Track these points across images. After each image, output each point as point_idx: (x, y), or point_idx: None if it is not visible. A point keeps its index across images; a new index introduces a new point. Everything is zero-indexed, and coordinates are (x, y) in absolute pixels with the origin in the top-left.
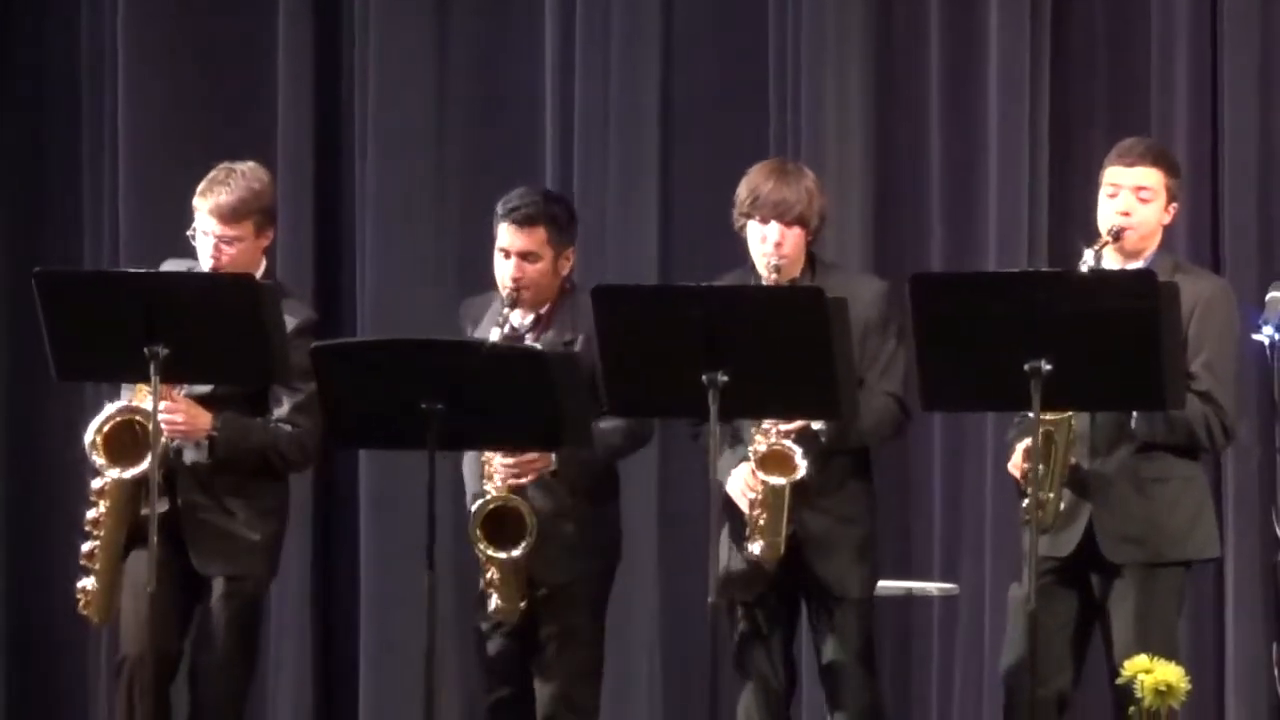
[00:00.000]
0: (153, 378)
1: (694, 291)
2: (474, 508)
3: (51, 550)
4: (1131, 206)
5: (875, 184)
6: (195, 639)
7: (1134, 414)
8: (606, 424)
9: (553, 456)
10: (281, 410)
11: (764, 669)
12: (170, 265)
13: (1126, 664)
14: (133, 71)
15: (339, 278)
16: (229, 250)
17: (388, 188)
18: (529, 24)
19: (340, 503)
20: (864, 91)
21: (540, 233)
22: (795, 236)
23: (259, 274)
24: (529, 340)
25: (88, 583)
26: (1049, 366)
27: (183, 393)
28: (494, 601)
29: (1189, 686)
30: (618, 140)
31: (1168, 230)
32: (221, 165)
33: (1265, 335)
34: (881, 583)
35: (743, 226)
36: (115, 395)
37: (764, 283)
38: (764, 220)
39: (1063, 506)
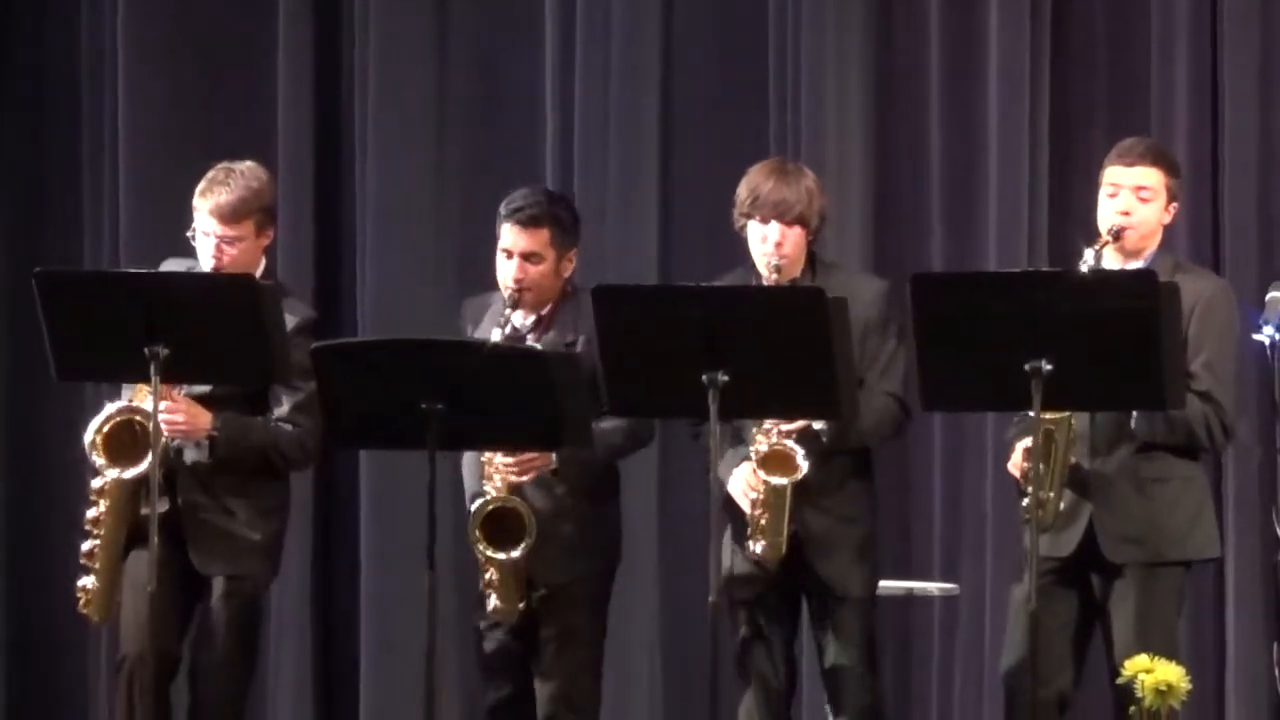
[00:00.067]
0: (153, 378)
1: (694, 291)
2: (473, 509)
3: (51, 550)
4: (1131, 206)
5: (875, 184)
6: (195, 639)
7: (1134, 413)
8: (607, 424)
9: (553, 456)
10: (282, 410)
11: (765, 669)
12: (170, 265)
13: (1127, 664)
14: (133, 71)
15: (339, 278)
16: (229, 250)
17: (388, 188)
18: (529, 24)
19: (340, 503)
20: (864, 91)
21: (544, 234)
22: (795, 236)
23: (259, 274)
24: (530, 341)
25: (88, 581)
26: (1049, 366)
27: (183, 392)
28: (493, 602)
29: (1189, 686)
30: (618, 140)
31: (1168, 230)
32: (220, 165)
33: (1265, 335)
34: (881, 583)
35: (743, 226)
36: (115, 395)
37: (764, 283)
38: (764, 220)
39: (1063, 506)
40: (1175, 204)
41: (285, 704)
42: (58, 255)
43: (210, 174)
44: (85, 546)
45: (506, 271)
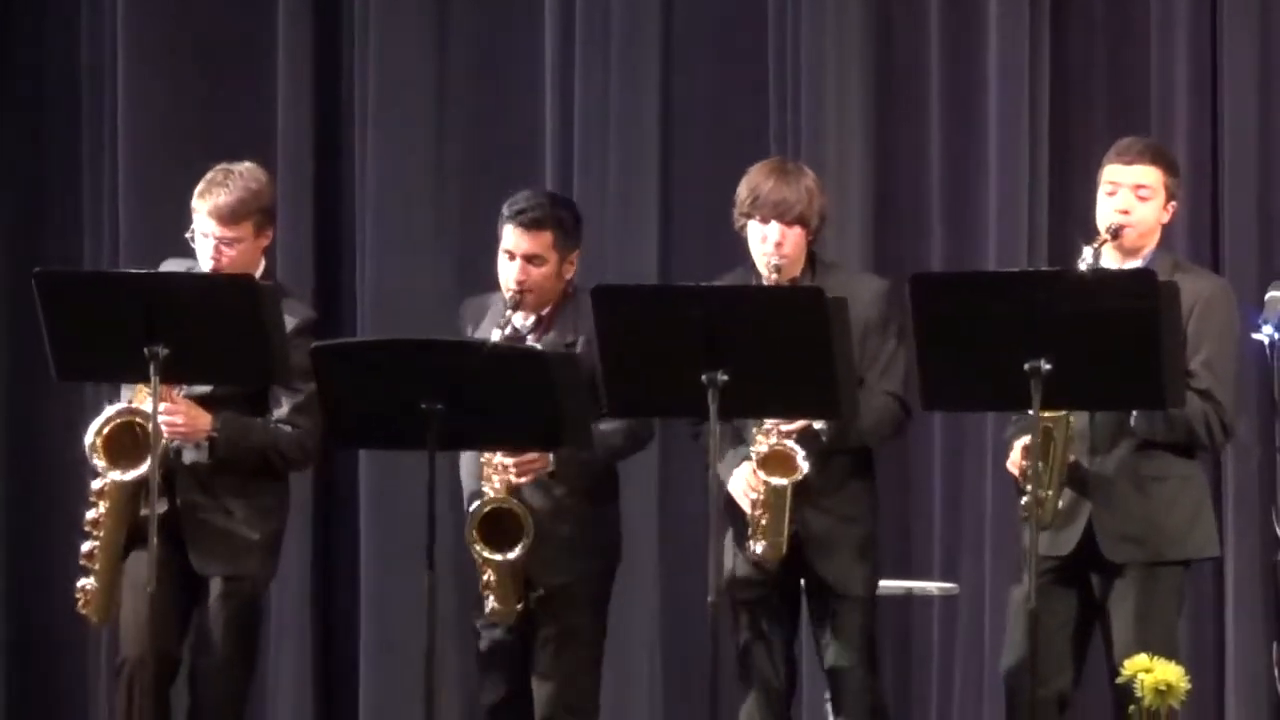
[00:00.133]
0: (153, 378)
1: (694, 291)
2: (471, 509)
3: (51, 551)
4: (1130, 204)
5: (875, 184)
6: (195, 639)
7: (1134, 411)
8: (606, 425)
9: (550, 457)
10: (281, 411)
11: (766, 670)
12: (170, 265)
13: (1126, 663)
14: (133, 71)
15: (339, 278)
16: (229, 251)
17: (388, 188)
18: (529, 24)
19: (340, 503)
20: (864, 91)
21: (547, 236)
22: (795, 236)
23: (259, 274)
24: (530, 341)
25: (87, 583)
26: (1049, 366)
27: (182, 393)
28: (491, 603)
29: (1189, 686)
30: (617, 140)
31: (1167, 229)
32: (219, 166)
33: (1265, 335)
34: (881, 582)
35: (743, 226)
36: (115, 395)
37: (764, 282)
38: (764, 220)
39: (1061, 505)
40: (1174, 203)
41: (285, 704)
42: (58, 255)
43: (209, 175)
44: (85, 548)
45: (508, 273)
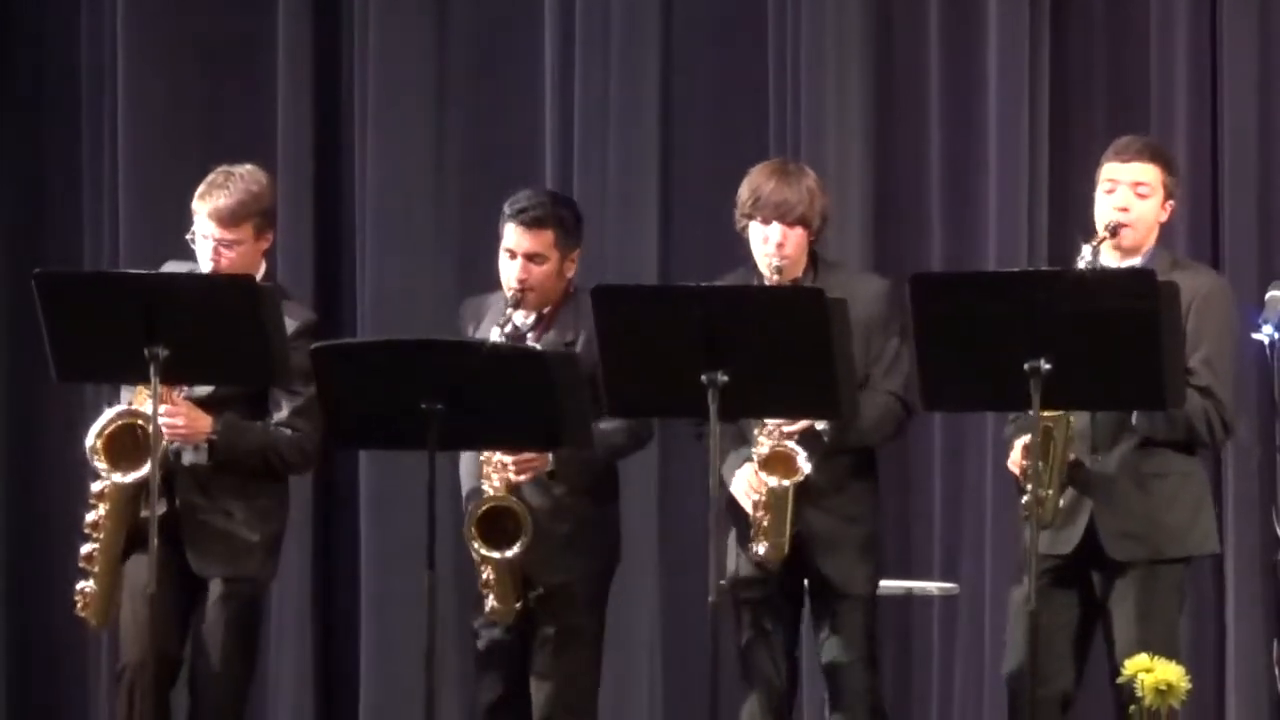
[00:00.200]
0: (153, 379)
1: (694, 291)
2: (469, 507)
3: (52, 552)
4: (1129, 202)
5: (875, 184)
6: (195, 641)
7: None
8: (607, 423)
9: (550, 456)
10: (281, 414)
11: (767, 670)
12: (171, 268)
13: (1127, 663)
14: (133, 71)
15: (339, 278)
16: (228, 254)
17: (388, 188)
18: (529, 24)
19: (340, 503)
20: (864, 91)
21: (548, 235)
22: (797, 237)
23: (259, 276)
24: (530, 340)
25: (86, 585)
26: (1049, 366)
27: (182, 395)
28: (490, 602)
29: (1189, 685)
30: (617, 140)
31: (1168, 229)
32: (220, 168)
33: (1265, 334)
34: (881, 582)
35: (744, 227)
36: (115, 396)
37: (766, 283)
38: (765, 221)
39: (1062, 504)
40: (1172, 202)
41: (285, 705)
42: (58, 255)
43: (210, 177)
44: (84, 550)
45: (510, 272)
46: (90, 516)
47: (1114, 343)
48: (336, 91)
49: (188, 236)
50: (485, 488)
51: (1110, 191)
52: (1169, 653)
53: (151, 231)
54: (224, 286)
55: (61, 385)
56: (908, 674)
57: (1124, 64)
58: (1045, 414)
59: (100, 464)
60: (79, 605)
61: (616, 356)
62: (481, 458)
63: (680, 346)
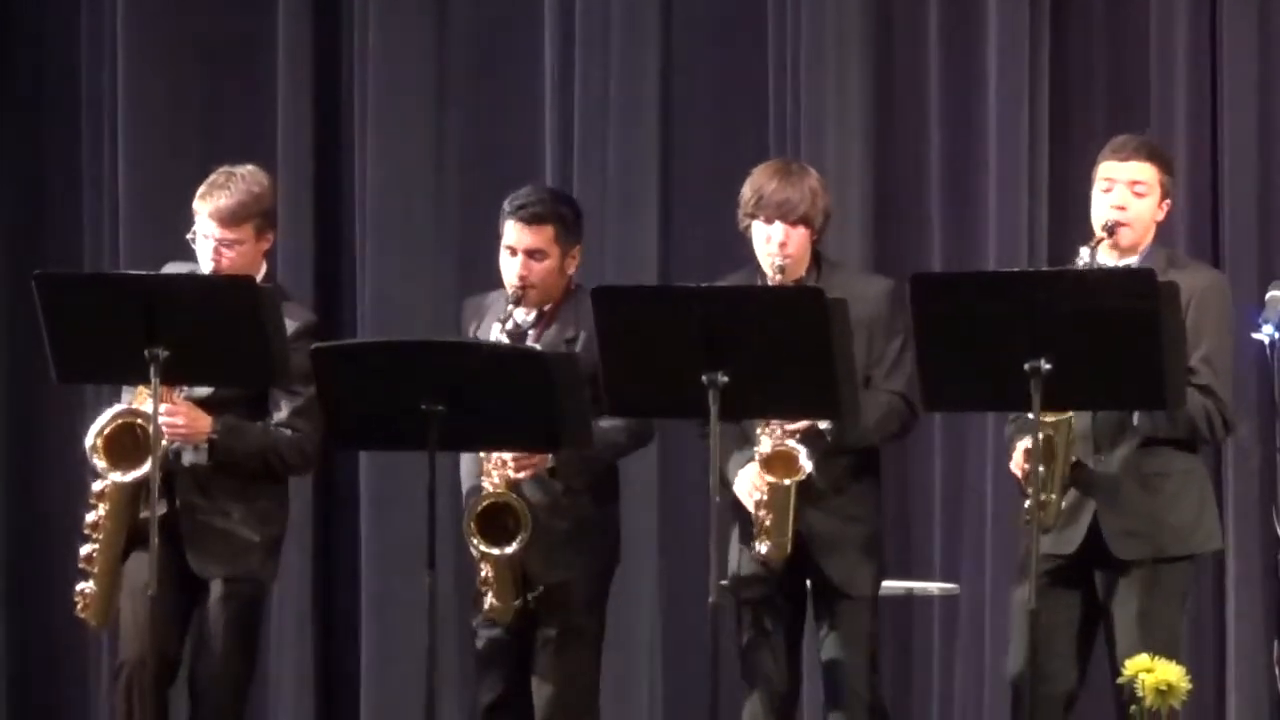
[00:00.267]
0: (153, 380)
1: (694, 292)
2: (468, 504)
3: (52, 552)
4: (1126, 201)
5: (875, 184)
6: (195, 642)
7: (1136, 410)
8: (606, 422)
9: (549, 455)
10: (281, 415)
11: (770, 671)
12: (172, 268)
13: (1128, 663)
14: (133, 71)
15: (339, 278)
16: (229, 254)
17: (388, 188)
18: (529, 24)
19: (340, 503)
20: (864, 91)
21: (548, 231)
22: (800, 236)
23: (260, 277)
24: (531, 337)
25: (86, 586)
26: (1049, 366)
27: (183, 395)
28: (488, 600)
29: (1189, 685)
30: (617, 140)
31: (1168, 230)
32: (221, 169)
33: (1265, 334)
34: (882, 583)
35: (747, 226)
36: (115, 397)
37: (769, 282)
38: (768, 220)
39: (1064, 505)
40: (1169, 200)
41: (285, 705)
42: (58, 255)
43: (211, 177)
44: (84, 551)
45: (511, 268)
46: (90, 517)
47: (1114, 343)
48: (336, 91)
49: (188, 236)
50: (485, 484)
51: (1107, 190)
52: (1170, 653)
53: (151, 231)
54: (224, 287)
55: (61, 386)
56: (908, 674)
57: (1124, 64)
58: (1047, 419)
59: (99, 462)
60: (79, 606)
61: (617, 356)
62: (481, 455)
63: (680, 346)
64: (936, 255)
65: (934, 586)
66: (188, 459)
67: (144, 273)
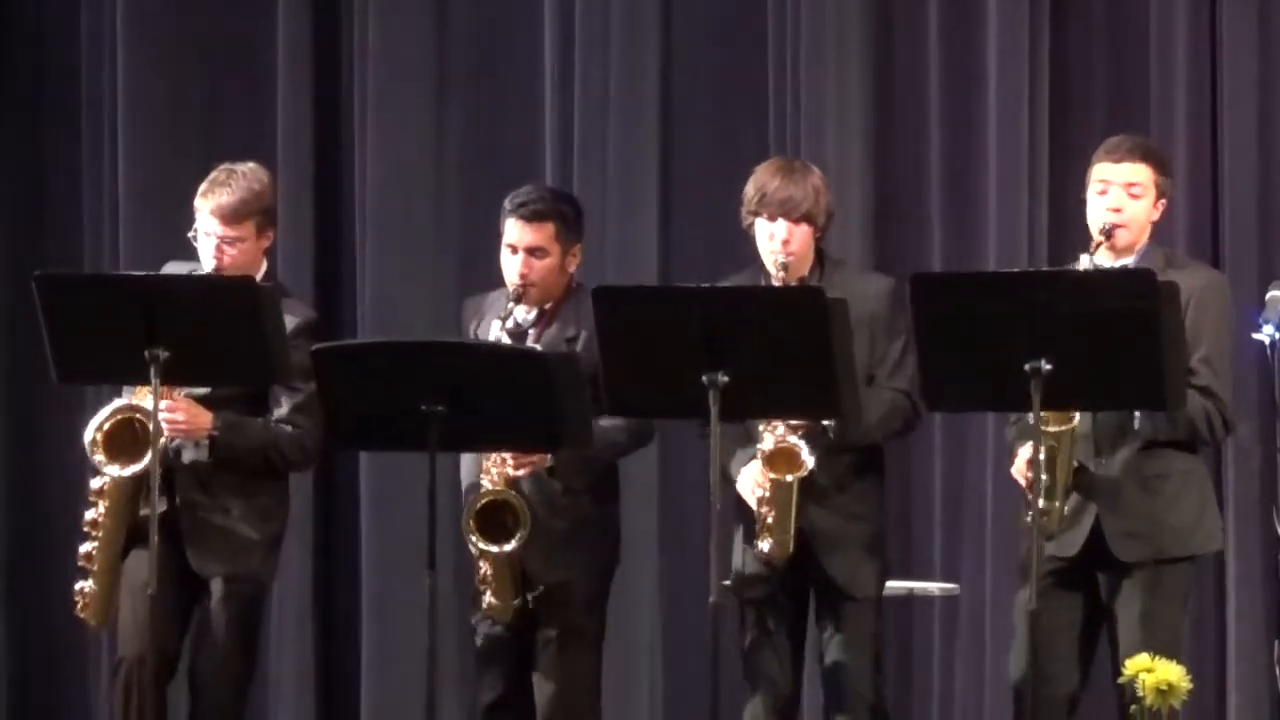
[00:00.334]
0: (153, 380)
1: (694, 292)
2: (467, 501)
3: (52, 552)
4: (1122, 203)
5: (875, 184)
6: (195, 640)
7: (1136, 414)
8: (606, 422)
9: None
10: (281, 410)
11: (774, 674)
12: (172, 268)
13: (1128, 663)
14: (133, 71)
15: (339, 278)
16: (231, 251)
17: (388, 187)
18: (529, 24)
19: (341, 502)
20: (864, 91)
21: (549, 228)
22: (803, 234)
23: (260, 275)
24: (532, 336)
25: (86, 585)
26: (1049, 366)
27: (183, 392)
28: (487, 598)
29: (1190, 685)
30: (617, 140)
31: (1169, 230)
32: (222, 166)
33: (1265, 335)
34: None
35: (751, 224)
36: (116, 396)
37: (773, 280)
38: (771, 218)
39: (1067, 510)
40: (1164, 201)
41: (286, 704)
42: (58, 255)
43: (212, 175)
44: (84, 549)
45: (511, 266)
46: (90, 515)
47: (1114, 343)
48: (336, 91)
49: (190, 234)
50: (484, 482)
51: (1103, 193)
52: (1172, 653)
53: (151, 231)
54: (224, 288)
55: (61, 386)
56: (908, 674)
57: (1124, 64)
58: (1050, 429)
59: (99, 457)
60: (78, 606)
61: (617, 357)
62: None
63: (681, 347)
64: (936, 255)
65: (934, 587)
66: (187, 456)
67: (144, 273)
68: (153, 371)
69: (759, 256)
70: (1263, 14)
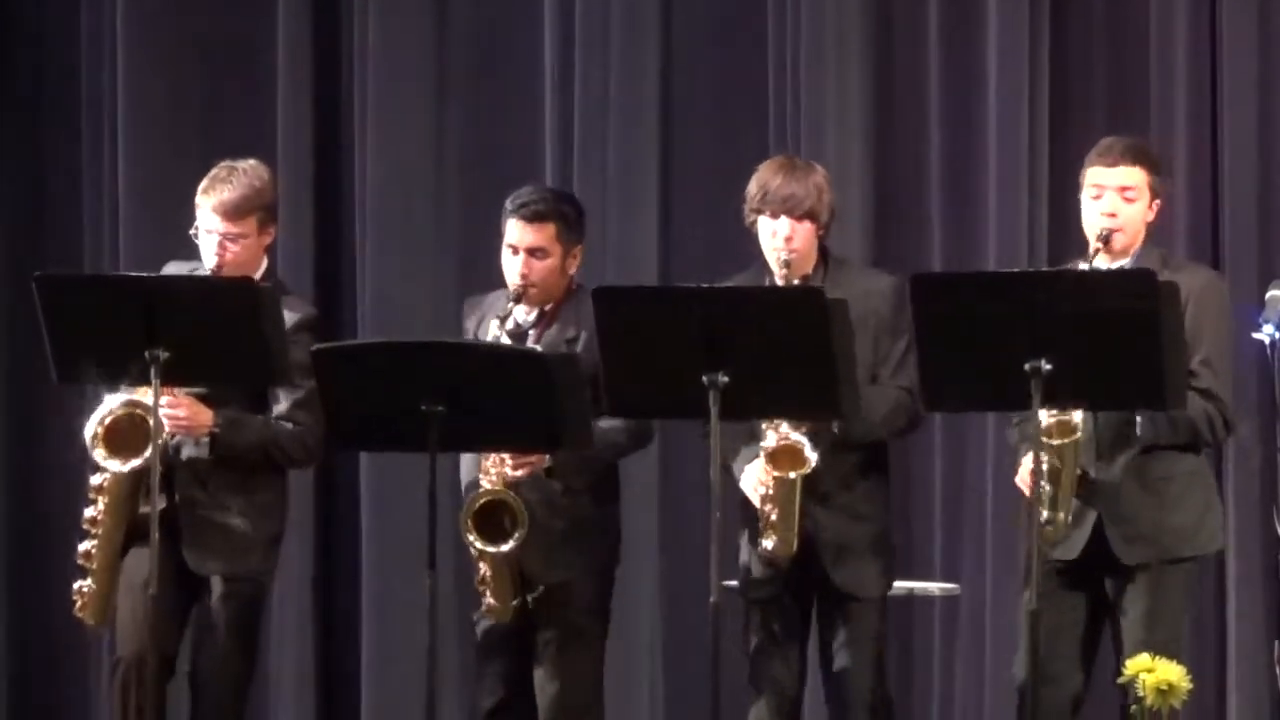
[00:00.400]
0: (153, 381)
1: (694, 292)
2: (466, 500)
3: (52, 552)
4: (1117, 207)
5: (875, 184)
6: (195, 639)
7: (1138, 419)
8: (606, 422)
9: (546, 455)
10: (281, 407)
11: (778, 674)
12: (173, 268)
13: (1129, 663)
14: (133, 71)
15: (339, 278)
16: (232, 248)
17: (388, 187)
18: (529, 24)
19: (341, 503)
20: (864, 91)
21: (550, 229)
22: (805, 231)
23: (261, 272)
24: (532, 336)
25: (84, 584)
26: (1049, 366)
27: (183, 391)
28: (486, 599)
29: (1190, 685)
30: (617, 140)
31: (1168, 229)
32: (223, 163)
33: (1265, 334)
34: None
35: (753, 222)
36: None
37: (776, 279)
38: (774, 215)
39: (1069, 517)
40: (1159, 201)
41: (286, 704)
42: (58, 255)
43: (213, 171)
44: (83, 547)
45: (512, 267)
46: (89, 512)
47: (1114, 343)
48: (336, 91)
49: (191, 232)
50: (483, 481)
51: (1097, 198)
52: (1173, 652)
53: (151, 231)
54: (223, 289)
55: (61, 386)
56: (909, 674)
57: (1124, 64)
58: (1053, 442)
59: (99, 451)
60: (77, 605)
61: (617, 357)
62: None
63: (681, 347)
64: (936, 255)
65: (935, 586)
66: (187, 453)
67: (144, 274)
68: (153, 372)
69: (760, 256)
70: (1263, 14)
